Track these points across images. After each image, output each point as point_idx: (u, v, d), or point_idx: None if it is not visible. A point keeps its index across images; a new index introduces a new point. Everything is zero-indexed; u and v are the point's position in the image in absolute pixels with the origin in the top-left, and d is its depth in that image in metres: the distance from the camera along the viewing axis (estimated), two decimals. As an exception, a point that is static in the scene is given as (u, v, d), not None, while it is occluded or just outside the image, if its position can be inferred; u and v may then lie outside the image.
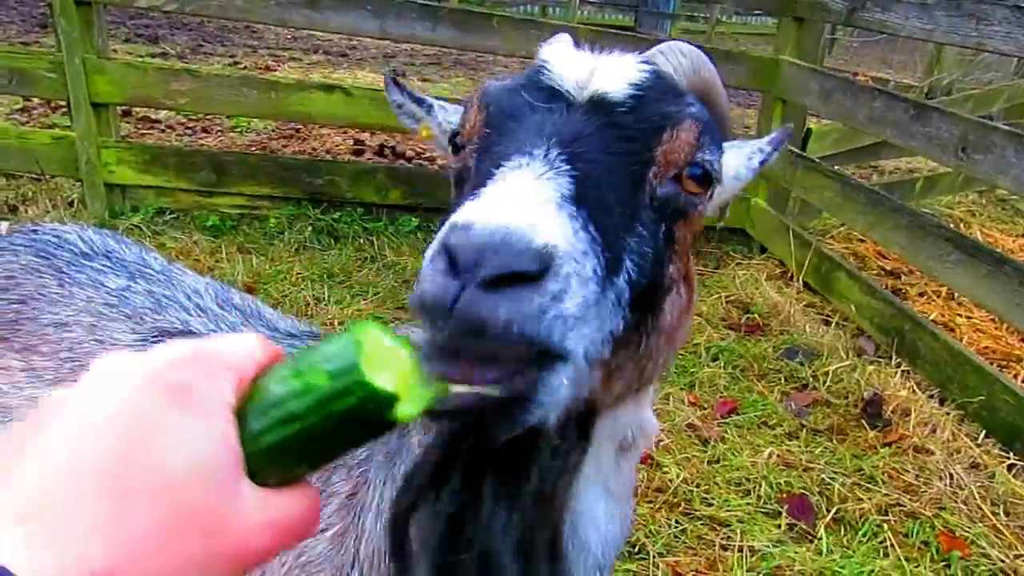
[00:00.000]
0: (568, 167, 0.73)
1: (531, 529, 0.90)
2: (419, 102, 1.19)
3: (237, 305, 1.67)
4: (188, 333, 1.54)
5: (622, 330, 0.79)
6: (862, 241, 5.56)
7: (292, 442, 0.55)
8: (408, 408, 0.56)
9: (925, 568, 2.65)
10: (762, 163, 1.19)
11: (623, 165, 0.82)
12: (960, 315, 4.73)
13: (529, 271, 0.61)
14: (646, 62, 0.93)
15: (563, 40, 1.03)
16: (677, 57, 0.98)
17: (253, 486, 0.53)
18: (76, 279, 1.62)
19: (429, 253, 0.66)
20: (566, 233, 0.67)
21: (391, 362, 0.57)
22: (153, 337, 1.52)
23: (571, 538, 0.98)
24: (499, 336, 0.61)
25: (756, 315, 4.46)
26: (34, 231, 1.75)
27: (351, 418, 0.56)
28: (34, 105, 6.61)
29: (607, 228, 0.74)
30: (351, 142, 6.48)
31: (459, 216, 0.64)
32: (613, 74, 0.87)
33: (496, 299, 0.61)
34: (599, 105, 0.84)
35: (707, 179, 0.90)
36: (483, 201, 0.67)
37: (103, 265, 1.67)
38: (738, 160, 1.16)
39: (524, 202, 0.67)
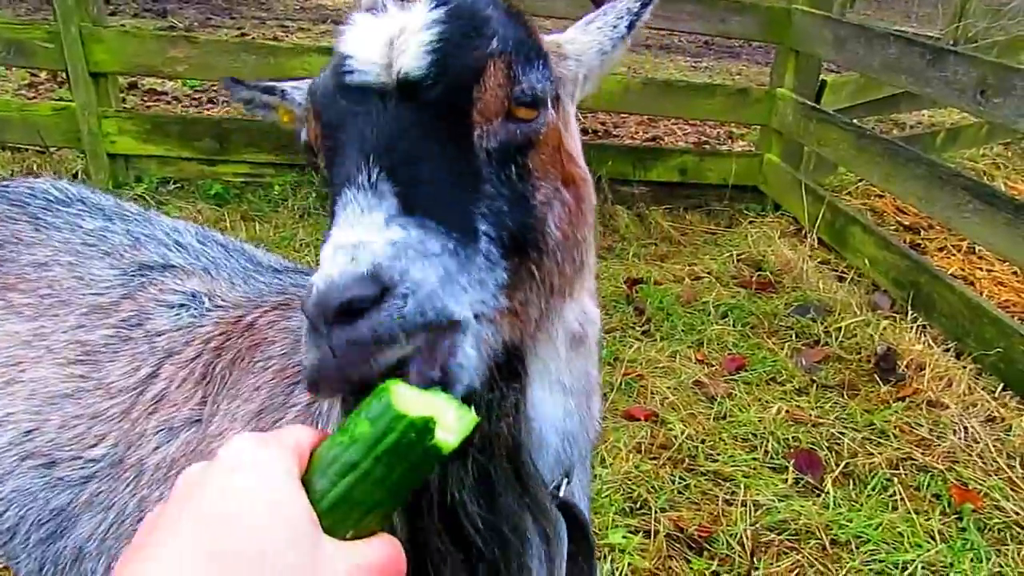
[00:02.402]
0: (390, 184, 0.76)
1: (488, 473, 0.90)
2: (269, 91, 1.17)
3: (219, 241, 1.66)
4: (168, 267, 1.52)
5: (509, 275, 0.82)
6: (880, 196, 5.41)
7: (354, 491, 0.62)
8: (446, 435, 0.65)
9: (935, 521, 2.59)
10: (631, 26, 1.05)
11: (443, 149, 0.81)
12: (980, 269, 4.59)
13: (366, 296, 0.68)
14: (441, 4, 0.86)
15: (363, 7, 0.93)
16: None
17: (334, 540, 0.60)
18: (52, 223, 1.62)
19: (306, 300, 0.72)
20: (393, 247, 0.72)
21: (421, 401, 0.66)
22: (133, 272, 1.51)
23: (527, 441, 0.96)
24: (380, 339, 0.68)
25: (768, 272, 4.36)
26: (5, 186, 1.73)
27: (398, 452, 0.63)
28: (40, 80, 6.61)
29: (446, 212, 0.77)
30: (357, 109, 6.41)
31: (308, 286, 0.70)
32: (410, 44, 0.82)
33: (354, 325, 0.68)
34: (406, 87, 0.81)
35: (537, 101, 0.87)
36: (322, 261, 0.72)
37: (79, 210, 1.67)
38: (596, 36, 1.05)
39: (353, 246, 0.71)
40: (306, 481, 0.62)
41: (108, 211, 1.68)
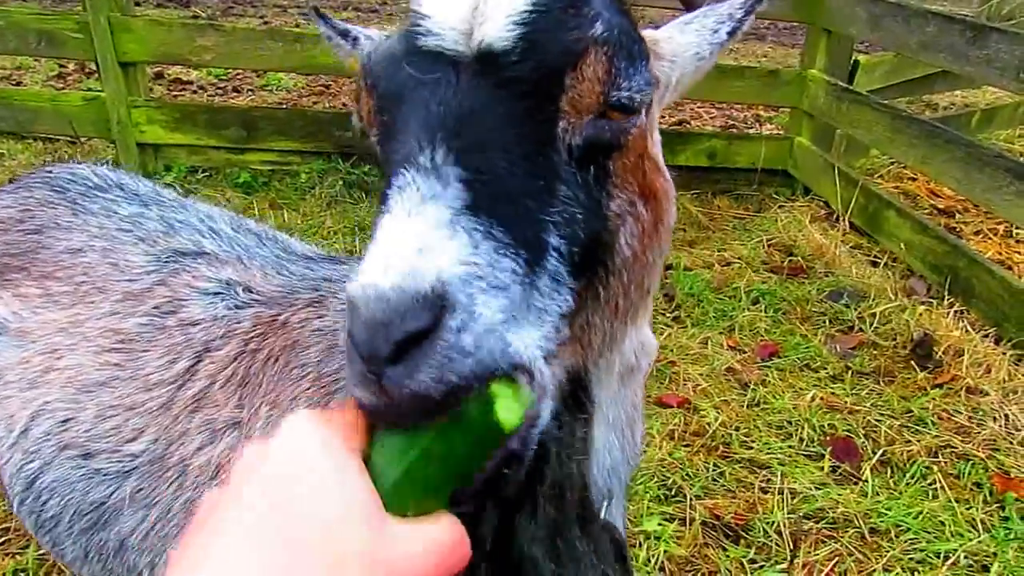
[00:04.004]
0: (458, 169, 0.66)
1: (559, 525, 0.87)
2: (343, 34, 1.10)
3: (252, 229, 1.65)
4: (201, 254, 1.51)
5: (573, 301, 0.73)
6: (913, 179, 5.29)
7: (416, 470, 0.60)
8: (507, 412, 0.62)
9: (977, 510, 2.54)
10: (732, 32, 0.98)
11: (524, 137, 0.71)
12: (1018, 253, 4.48)
13: (424, 328, 0.59)
14: None
15: None
16: None
17: (399, 520, 0.58)
18: (89, 208, 1.62)
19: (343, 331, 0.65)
20: (462, 265, 0.62)
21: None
22: (166, 258, 1.51)
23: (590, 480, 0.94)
24: (445, 394, 0.60)
25: (799, 258, 4.30)
26: (48, 171, 1.75)
27: (459, 428, 0.61)
28: (69, 71, 6.68)
29: (518, 218, 0.68)
30: (381, 96, 6.39)
31: (350, 287, 0.61)
32: (498, 10, 0.72)
33: (407, 368, 0.59)
34: (487, 60, 0.71)
35: (635, 106, 0.78)
36: (369, 256, 0.62)
37: (116, 195, 1.67)
38: (695, 38, 0.97)
39: (400, 244, 0.62)
40: (365, 460, 0.60)
41: (144, 197, 1.69)
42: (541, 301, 0.69)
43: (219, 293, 1.43)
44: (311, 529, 0.53)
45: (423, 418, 0.61)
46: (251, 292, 1.42)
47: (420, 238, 0.62)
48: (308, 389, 1.23)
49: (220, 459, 1.27)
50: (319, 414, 0.62)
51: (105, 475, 1.35)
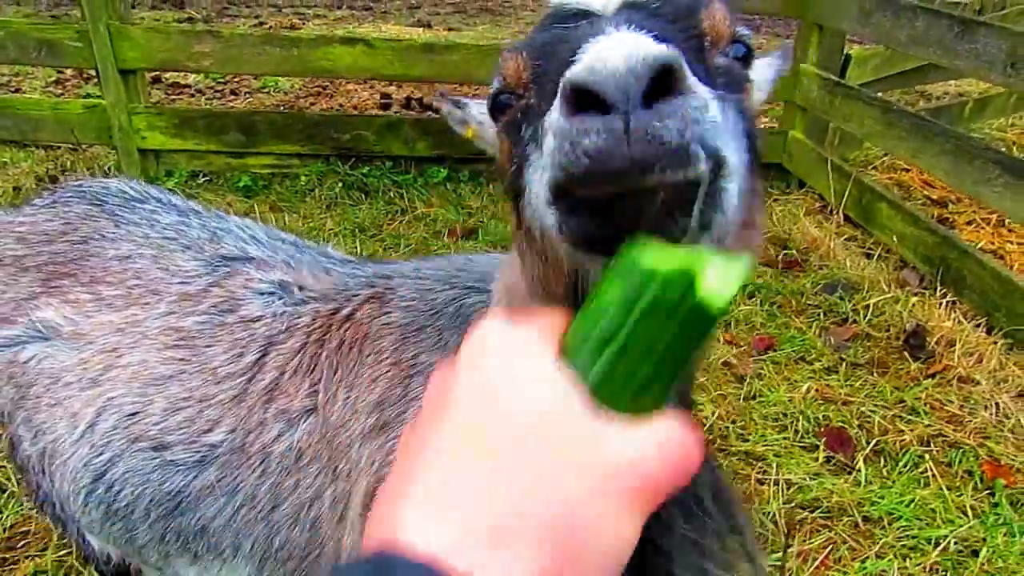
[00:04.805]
0: (643, 30, 0.68)
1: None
2: (457, 104, 1.23)
3: (284, 238, 1.71)
4: (248, 259, 1.57)
5: (748, 173, 0.73)
6: (907, 171, 5.35)
7: (619, 364, 0.53)
8: (714, 282, 0.52)
9: (968, 497, 2.61)
10: (775, 76, 1.17)
11: (684, 37, 0.79)
12: (1011, 242, 4.54)
13: (664, 68, 0.58)
14: None
15: None
16: None
17: (615, 417, 0.51)
18: (130, 219, 1.68)
19: (554, 125, 0.63)
20: (674, 51, 0.61)
21: (677, 254, 0.54)
22: (216, 263, 1.56)
23: None
24: (681, 147, 0.59)
25: (794, 251, 4.36)
26: (78, 185, 1.81)
27: (658, 315, 0.52)
28: (67, 77, 6.72)
29: (696, 69, 0.69)
30: (378, 97, 6.44)
31: (578, 68, 0.60)
32: None
33: (658, 112, 0.58)
34: (632, 7, 0.80)
35: (749, 55, 0.88)
36: (588, 52, 0.61)
37: (155, 206, 1.73)
38: (762, 70, 1.13)
39: (627, 37, 0.63)
40: (564, 360, 0.54)
41: (181, 208, 1.75)
42: (736, 136, 0.70)
43: (274, 292, 1.48)
44: (522, 431, 0.48)
45: (652, 173, 0.59)
46: (305, 290, 1.48)
47: (639, 37, 0.63)
48: (387, 372, 1.28)
49: (300, 444, 1.33)
50: (507, 320, 0.57)
51: (181, 465, 1.40)
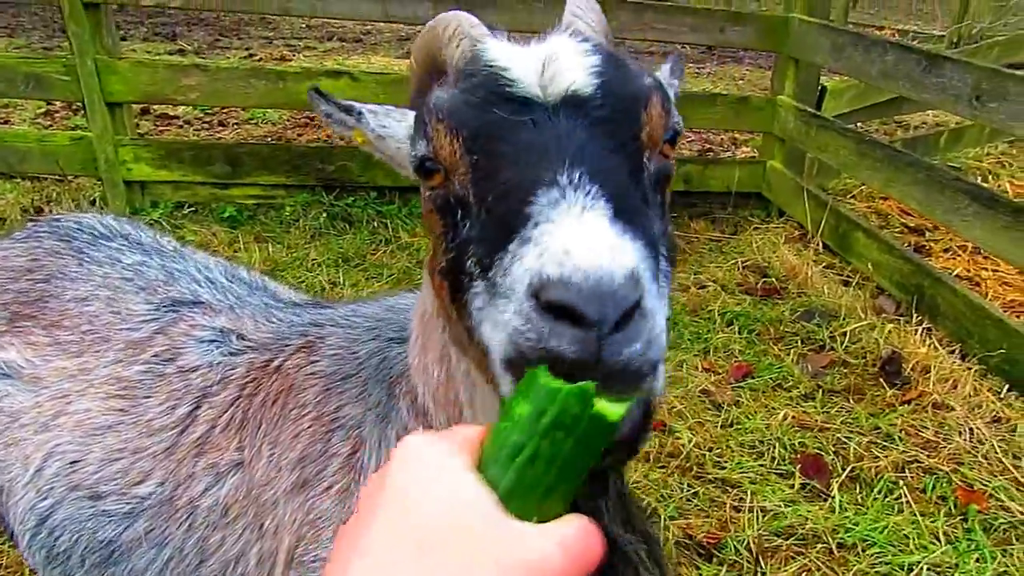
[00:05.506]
0: (594, 186, 0.74)
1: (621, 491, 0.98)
2: (347, 110, 1.18)
3: (243, 279, 1.75)
4: (196, 303, 1.61)
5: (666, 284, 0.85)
6: (884, 199, 5.44)
7: (527, 474, 0.60)
8: (609, 405, 0.62)
9: (941, 523, 2.63)
10: (675, 93, 1.20)
11: (627, 161, 0.83)
12: (986, 269, 4.62)
13: (634, 303, 0.67)
14: (585, 40, 0.91)
15: (483, 31, 0.96)
16: (588, 15, 0.97)
17: (523, 520, 0.58)
18: (94, 257, 1.72)
19: (519, 307, 0.69)
20: (636, 252, 0.70)
21: (568, 382, 0.63)
22: (166, 307, 1.60)
23: None
24: (642, 368, 0.67)
25: (773, 279, 4.42)
26: (56, 220, 1.85)
27: (562, 426, 0.61)
28: (56, 108, 6.78)
29: (643, 228, 0.76)
30: (364, 127, 6.51)
31: (549, 269, 0.67)
32: (575, 64, 0.85)
33: (626, 337, 0.66)
34: (575, 105, 0.82)
35: (676, 138, 0.92)
36: (560, 248, 0.68)
37: (120, 244, 1.77)
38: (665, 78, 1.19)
39: (594, 239, 0.69)
40: (479, 471, 0.61)
41: (147, 246, 1.78)
42: (661, 295, 0.80)
43: (214, 340, 1.52)
44: (442, 532, 0.54)
45: (616, 385, 0.67)
46: (244, 339, 1.51)
47: (605, 236, 0.70)
48: (309, 428, 1.30)
49: (227, 499, 1.35)
50: (429, 435, 0.65)
51: (112, 516, 1.42)
